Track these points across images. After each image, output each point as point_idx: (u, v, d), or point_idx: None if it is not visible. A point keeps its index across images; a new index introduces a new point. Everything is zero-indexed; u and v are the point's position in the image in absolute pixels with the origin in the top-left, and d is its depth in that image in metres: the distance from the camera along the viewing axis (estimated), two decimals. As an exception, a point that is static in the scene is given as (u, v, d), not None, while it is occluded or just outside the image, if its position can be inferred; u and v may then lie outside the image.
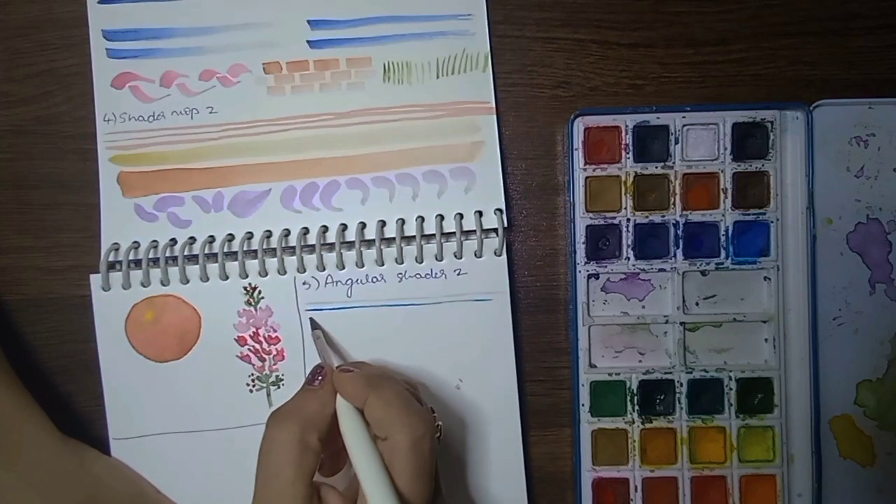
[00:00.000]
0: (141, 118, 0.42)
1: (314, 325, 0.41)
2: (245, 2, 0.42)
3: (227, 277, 0.41)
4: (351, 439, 0.33)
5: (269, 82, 0.42)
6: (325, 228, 0.41)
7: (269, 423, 0.34)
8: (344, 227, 0.41)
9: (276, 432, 0.33)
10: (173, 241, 0.41)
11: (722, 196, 0.41)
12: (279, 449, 0.33)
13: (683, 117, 0.41)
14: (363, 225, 0.41)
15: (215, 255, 0.41)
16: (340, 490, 0.34)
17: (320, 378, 0.35)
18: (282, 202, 0.42)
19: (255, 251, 0.41)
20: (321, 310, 0.41)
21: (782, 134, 0.41)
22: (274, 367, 0.41)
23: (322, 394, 0.35)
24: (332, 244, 0.41)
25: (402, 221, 0.41)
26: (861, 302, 0.41)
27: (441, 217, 0.41)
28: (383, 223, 0.41)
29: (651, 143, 0.41)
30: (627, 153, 0.41)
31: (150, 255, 0.41)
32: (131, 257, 0.41)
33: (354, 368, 0.36)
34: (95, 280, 0.41)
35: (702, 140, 0.41)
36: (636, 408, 0.41)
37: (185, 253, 0.41)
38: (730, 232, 0.41)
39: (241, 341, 0.41)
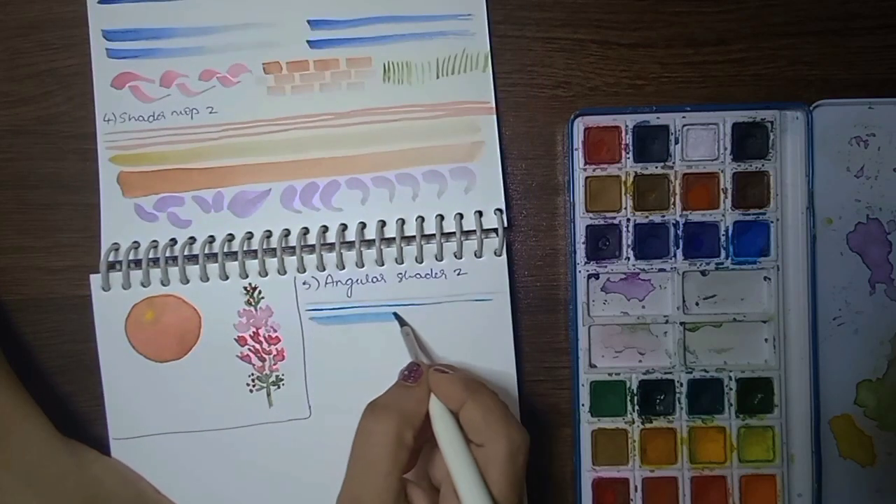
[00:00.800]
0: (141, 118, 0.42)
1: (402, 322, 0.40)
2: (245, 2, 0.42)
3: (227, 277, 0.41)
4: (447, 442, 0.33)
5: (269, 82, 0.42)
6: (325, 228, 0.41)
7: (367, 415, 0.34)
8: (344, 227, 0.41)
9: (374, 424, 0.33)
10: (173, 241, 0.41)
11: (722, 196, 0.41)
12: (377, 441, 0.33)
13: (683, 117, 0.41)
14: (363, 225, 0.41)
15: (215, 255, 0.41)
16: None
17: (415, 376, 0.35)
18: (282, 202, 0.42)
19: (255, 251, 0.41)
20: (321, 310, 0.41)
21: (782, 134, 0.41)
22: (274, 367, 0.41)
23: (418, 391, 0.35)
24: (332, 244, 0.41)
25: (402, 221, 0.41)
26: (861, 302, 0.41)
27: (441, 217, 0.41)
28: (383, 223, 0.41)
29: (651, 143, 0.41)
30: (627, 153, 0.41)
31: (150, 255, 0.41)
32: (131, 257, 0.41)
33: (449, 370, 0.35)
34: (95, 280, 0.41)
35: (702, 140, 0.41)
36: (636, 408, 0.41)
37: (185, 253, 0.41)
38: (730, 232, 0.41)
39: (241, 341, 0.41)
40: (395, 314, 0.41)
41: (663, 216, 0.41)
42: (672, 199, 0.41)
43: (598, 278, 0.41)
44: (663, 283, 0.42)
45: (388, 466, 0.32)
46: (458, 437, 0.33)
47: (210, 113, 0.42)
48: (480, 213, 0.41)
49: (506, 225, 0.41)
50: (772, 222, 0.41)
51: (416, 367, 0.36)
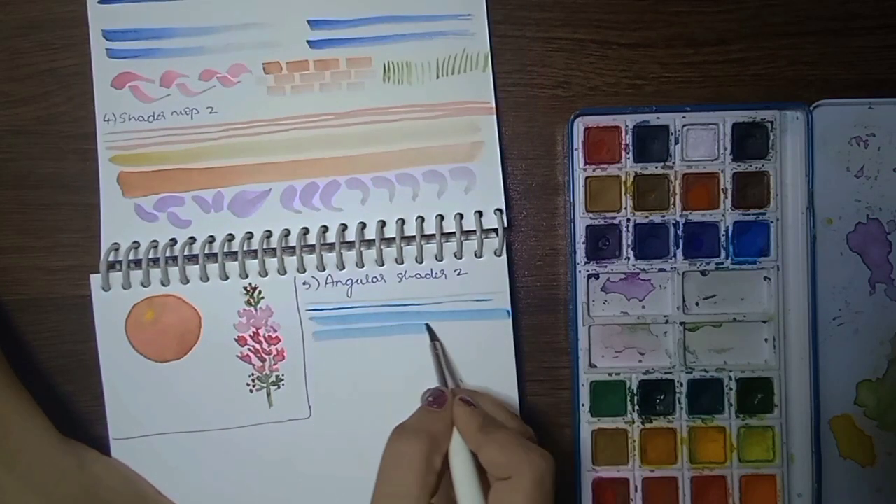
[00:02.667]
0: (141, 118, 0.42)
1: (433, 336, 0.40)
2: (245, 2, 0.42)
3: (227, 277, 0.41)
4: (461, 478, 0.33)
5: (269, 82, 0.42)
6: (325, 228, 0.41)
7: (395, 437, 0.34)
8: (344, 227, 0.41)
9: (404, 447, 0.33)
10: (173, 241, 0.41)
11: (722, 196, 0.41)
12: (407, 464, 0.32)
13: (683, 117, 0.41)
14: (363, 225, 0.41)
15: (215, 255, 0.41)
16: None
17: (439, 403, 0.35)
18: (282, 202, 0.42)
19: (255, 251, 0.41)
20: (321, 310, 0.41)
21: (782, 134, 0.41)
22: (274, 367, 0.41)
23: (444, 416, 0.35)
24: (332, 244, 0.41)
25: (402, 221, 0.41)
26: (861, 302, 0.41)
27: (441, 217, 0.41)
28: (383, 223, 0.41)
29: (651, 143, 0.41)
30: (627, 153, 0.41)
31: (150, 255, 0.41)
32: (131, 257, 0.41)
33: (473, 401, 0.36)
34: (95, 280, 0.41)
35: (702, 140, 0.41)
36: (636, 408, 0.41)
37: (185, 253, 0.41)
38: (730, 232, 0.41)
39: (241, 341, 0.41)
40: (427, 325, 0.41)
41: (663, 216, 0.41)
42: (672, 199, 0.41)
43: (598, 278, 0.41)
44: (663, 283, 0.42)
45: (417, 490, 0.32)
46: (470, 474, 0.33)
47: (210, 113, 0.42)
48: (480, 213, 0.41)
49: (506, 225, 0.41)
50: (772, 222, 0.41)
51: (441, 394, 0.36)
